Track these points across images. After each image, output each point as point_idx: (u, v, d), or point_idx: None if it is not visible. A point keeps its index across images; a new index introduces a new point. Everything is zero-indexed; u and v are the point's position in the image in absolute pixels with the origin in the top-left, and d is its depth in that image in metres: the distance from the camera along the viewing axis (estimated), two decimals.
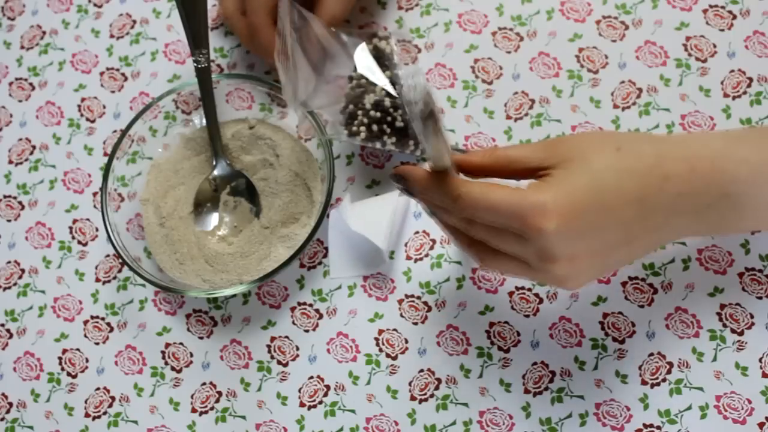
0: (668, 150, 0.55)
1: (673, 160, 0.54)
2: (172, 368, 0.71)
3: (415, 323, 0.69)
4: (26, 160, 0.79)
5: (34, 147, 0.79)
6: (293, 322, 0.70)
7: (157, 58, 0.80)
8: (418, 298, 0.69)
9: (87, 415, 0.71)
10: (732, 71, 0.70)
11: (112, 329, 0.73)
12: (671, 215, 0.54)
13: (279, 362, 0.70)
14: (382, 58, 0.70)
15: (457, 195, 0.54)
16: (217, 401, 0.70)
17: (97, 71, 0.81)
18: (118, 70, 0.80)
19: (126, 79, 0.80)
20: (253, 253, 0.71)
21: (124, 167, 0.73)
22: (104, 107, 0.79)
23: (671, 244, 0.67)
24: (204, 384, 0.70)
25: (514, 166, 0.56)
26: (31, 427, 0.72)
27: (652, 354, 0.65)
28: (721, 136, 0.58)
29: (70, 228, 0.76)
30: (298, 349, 0.70)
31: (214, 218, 0.74)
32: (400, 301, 0.69)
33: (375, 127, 0.69)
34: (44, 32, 0.83)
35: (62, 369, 0.73)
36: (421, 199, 0.58)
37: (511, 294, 0.68)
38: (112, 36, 0.81)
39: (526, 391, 0.66)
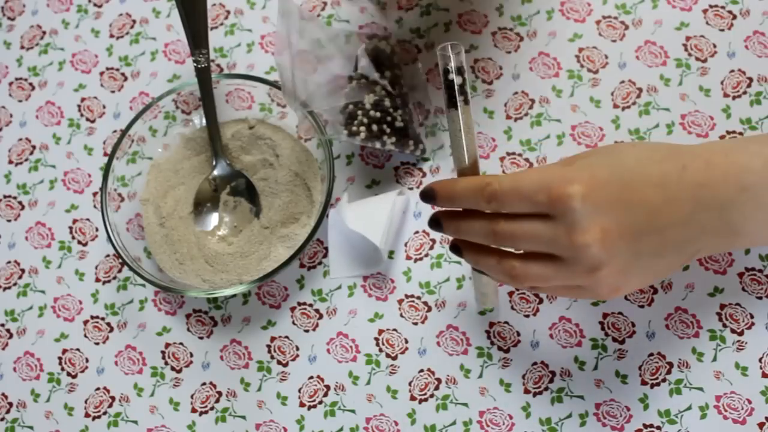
0: (682, 146, 0.56)
1: (688, 153, 0.56)
2: (172, 368, 0.71)
3: (415, 323, 0.69)
4: (26, 160, 0.79)
5: (34, 147, 0.79)
6: (293, 322, 0.70)
7: (156, 57, 0.80)
8: (418, 298, 0.69)
9: (87, 415, 0.71)
10: (732, 71, 0.70)
11: (112, 329, 0.73)
12: (696, 208, 0.54)
13: (279, 362, 0.70)
14: (382, 58, 0.71)
15: (486, 183, 0.56)
16: (217, 401, 0.70)
17: (97, 71, 0.81)
18: (117, 70, 0.80)
19: (126, 79, 0.80)
20: (253, 253, 0.71)
21: (124, 167, 0.73)
22: (104, 107, 0.79)
23: None
24: (204, 384, 0.70)
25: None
26: (31, 427, 0.72)
27: (652, 354, 0.65)
28: (730, 139, 0.58)
29: (70, 228, 0.76)
30: (298, 349, 0.70)
31: (214, 218, 0.74)
32: (400, 301, 0.69)
33: (375, 127, 0.69)
34: (44, 32, 0.83)
35: (62, 369, 0.73)
36: (450, 205, 0.59)
37: (511, 294, 0.68)
38: (111, 36, 0.81)
39: (526, 391, 0.66)
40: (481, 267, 0.59)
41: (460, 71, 0.58)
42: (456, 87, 0.58)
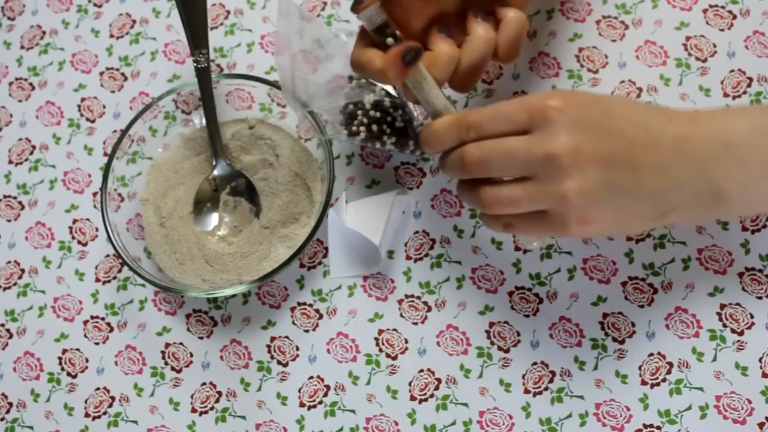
0: (671, 108, 0.58)
1: (675, 111, 0.57)
2: (172, 368, 0.71)
3: (415, 323, 0.69)
4: (26, 160, 0.79)
5: (34, 147, 0.79)
6: (293, 322, 0.71)
7: (156, 57, 0.80)
8: (418, 298, 0.69)
9: (87, 415, 0.71)
10: (732, 71, 0.70)
11: (112, 329, 0.73)
12: (675, 157, 0.55)
13: (279, 362, 0.70)
14: None
15: (464, 114, 0.57)
16: (217, 401, 0.70)
17: (97, 71, 0.81)
18: (117, 70, 0.80)
19: (126, 79, 0.80)
20: (253, 253, 0.71)
21: (124, 167, 0.73)
22: (104, 107, 0.79)
23: (671, 243, 0.67)
24: (204, 384, 0.70)
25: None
26: (31, 427, 0.72)
27: (652, 354, 0.65)
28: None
29: (70, 228, 0.76)
30: (298, 349, 0.70)
31: (214, 218, 0.74)
32: (400, 301, 0.69)
33: (375, 127, 0.69)
34: (44, 32, 0.83)
35: (62, 369, 0.73)
36: (433, 147, 0.59)
37: (511, 294, 0.68)
38: (111, 36, 0.81)
39: (526, 391, 0.66)
40: (464, 200, 0.60)
41: (382, 30, 0.59)
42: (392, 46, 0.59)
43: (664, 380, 0.64)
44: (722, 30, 0.71)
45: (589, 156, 0.53)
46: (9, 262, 0.76)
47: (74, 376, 0.72)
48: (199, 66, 0.72)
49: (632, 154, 0.54)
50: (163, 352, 0.72)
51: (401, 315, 0.69)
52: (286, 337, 0.70)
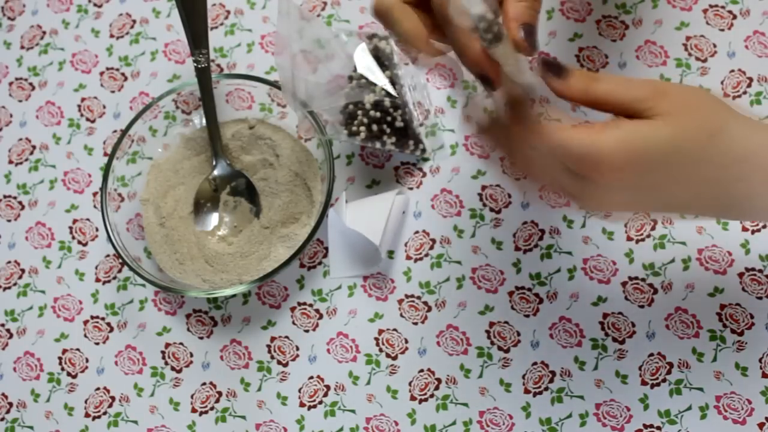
0: (759, 151, 0.51)
1: (755, 167, 0.50)
2: (172, 368, 0.71)
3: (415, 323, 0.69)
4: (26, 160, 0.79)
5: (34, 147, 0.79)
6: (293, 322, 0.71)
7: (156, 57, 0.80)
8: (418, 298, 0.69)
9: (87, 415, 0.71)
10: (732, 71, 0.70)
11: (112, 329, 0.73)
12: (725, 204, 0.52)
13: (279, 362, 0.70)
14: (382, 58, 0.70)
15: (520, 135, 0.53)
16: (217, 401, 0.70)
17: (97, 71, 0.81)
18: (118, 69, 0.80)
19: (126, 78, 0.80)
20: (253, 253, 0.71)
21: (124, 167, 0.73)
22: (104, 107, 0.79)
23: (671, 243, 0.67)
24: (204, 384, 0.70)
25: (606, 107, 0.52)
26: (31, 427, 0.72)
27: (652, 354, 0.65)
28: None
29: (70, 228, 0.76)
30: (298, 349, 0.70)
31: (214, 218, 0.74)
32: (400, 301, 0.69)
33: (375, 127, 0.69)
34: (44, 32, 0.83)
35: (62, 369, 0.73)
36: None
37: (511, 294, 0.68)
38: (112, 36, 0.81)
39: (526, 391, 0.66)
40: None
41: (483, 17, 0.56)
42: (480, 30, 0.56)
43: (664, 380, 0.64)
44: (722, 30, 0.71)
45: (620, 207, 0.52)
46: (9, 262, 0.76)
47: (74, 376, 0.72)
48: (199, 66, 0.72)
49: (671, 205, 0.52)
50: (163, 352, 0.72)
51: (401, 315, 0.69)
52: (286, 337, 0.70)
